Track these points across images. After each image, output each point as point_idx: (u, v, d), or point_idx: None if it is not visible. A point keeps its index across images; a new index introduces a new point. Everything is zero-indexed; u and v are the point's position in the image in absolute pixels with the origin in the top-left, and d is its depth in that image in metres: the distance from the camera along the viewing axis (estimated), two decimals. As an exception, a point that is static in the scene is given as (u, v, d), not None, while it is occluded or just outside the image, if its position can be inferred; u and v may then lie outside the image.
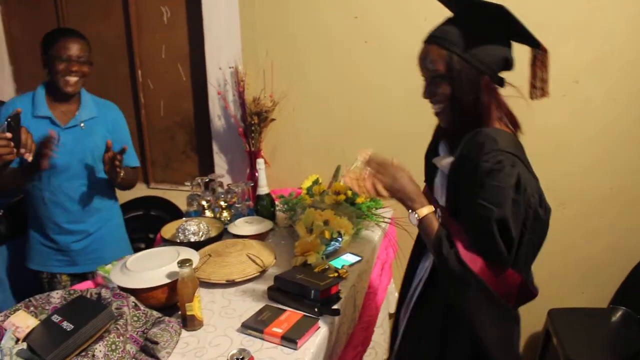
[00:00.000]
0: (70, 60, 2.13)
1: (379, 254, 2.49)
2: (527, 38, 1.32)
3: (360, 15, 2.62)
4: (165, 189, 3.45)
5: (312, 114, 2.86)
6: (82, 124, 2.24)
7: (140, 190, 3.41)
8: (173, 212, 3.13)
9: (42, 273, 2.36)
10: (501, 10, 1.26)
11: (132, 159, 2.43)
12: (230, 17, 2.84)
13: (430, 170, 1.58)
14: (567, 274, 2.68)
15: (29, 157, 1.83)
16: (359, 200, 2.44)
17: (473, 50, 1.30)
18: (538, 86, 1.36)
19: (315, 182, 2.61)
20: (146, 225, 3.19)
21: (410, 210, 1.41)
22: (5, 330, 1.44)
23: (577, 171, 2.53)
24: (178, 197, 3.20)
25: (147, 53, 3.30)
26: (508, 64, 1.34)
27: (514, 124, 1.38)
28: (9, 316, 1.49)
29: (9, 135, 1.72)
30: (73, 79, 2.16)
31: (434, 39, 1.35)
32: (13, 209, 2.65)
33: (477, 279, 1.24)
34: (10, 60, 3.71)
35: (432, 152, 1.58)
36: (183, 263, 1.54)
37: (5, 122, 1.74)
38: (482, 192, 1.22)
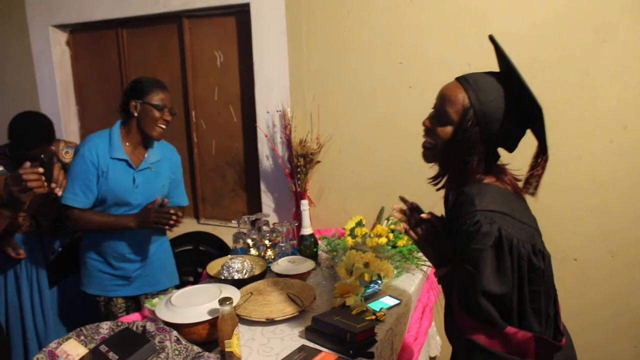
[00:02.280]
0: (164, 109, 2.30)
1: (420, 297, 2.49)
2: (541, 140, 1.35)
3: (404, 61, 2.69)
4: (214, 225, 3.56)
5: (357, 156, 2.92)
6: (151, 167, 2.40)
7: (190, 226, 3.55)
8: (221, 248, 3.23)
9: (99, 297, 2.51)
10: (538, 109, 1.28)
11: (182, 199, 2.60)
12: (280, 63, 2.97)
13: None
14: (617, 325, 2.60)
15: (59, 192, 1.95)
16: (400, 243, 2.47)
17: (490, 118, 1.31)
18: (532, 184, 1.38)
19: (359, 223, 2.65)
20: (195, 260, 3.30)
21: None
22: (58, 357, 1.53)
23: (626, 219, 2.48)
24: (227, 233, 3.31)
25: (200, 95, 3.47)
26: (510, 147, 1.38)
27: (511, 182, 1.41)
28: (61, 344, 1.58)
29: (41, 170, 1.86)
30: (162, 127, 2.33)
31: (465, 82, 1.34)
32: (73, 244, 2.82)
33: (472, 342, 1.26)
34: (76, 101, 3.96)
35: (446, 199, 1.60)
36: (224, 301, 1.61)
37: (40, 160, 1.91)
38: (465, 255, 1.26)
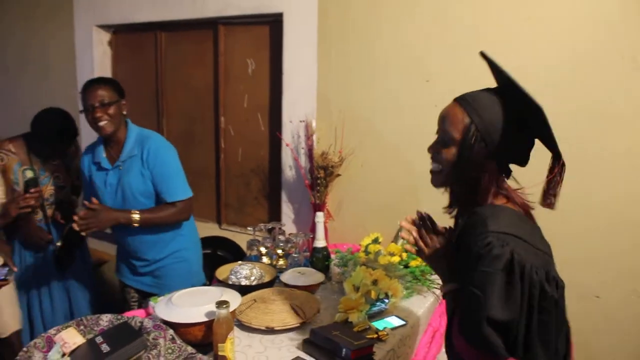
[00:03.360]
0: (92, 109, 2.27)
1: (431, 321, 2.43)
2: (552, 145, 1.30)
3: (431, 78, 2.66)
4: (235, 231, 3.58)
5: (380, 173, 2.90)
6: (120, 165, 2.38)
7: (212, 230, 3.58)
8: (237, 254, 3.24)
9: (120, 281, 2.63)
10: (538, 110, 1.24)
11: (170, 194, 2.40)
12: (308, 74, 2.98)
13: None
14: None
15: None
16: (412, 263, 2.43)
17: (493, 132, 1.28)
18: (551, 194, 1.33)
19: (375, 240, 2.62)
20: (212, 264, 3.31)
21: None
22: (55, 343, 1.56)
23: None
24: (245, 240, 3.30)
25: (231, 101, 3.51)
26: (522, 160, 1.34)
27: (522, 205, 1.36)
28: (60, 331, 1.61)
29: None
30: (101, 123, 2.29)
31: (463, 101, 1.33)
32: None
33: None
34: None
35: (456, 222, 1.56)
36: (220, 304, 1.61)
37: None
38: (473, 277, 1.21)
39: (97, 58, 4.02)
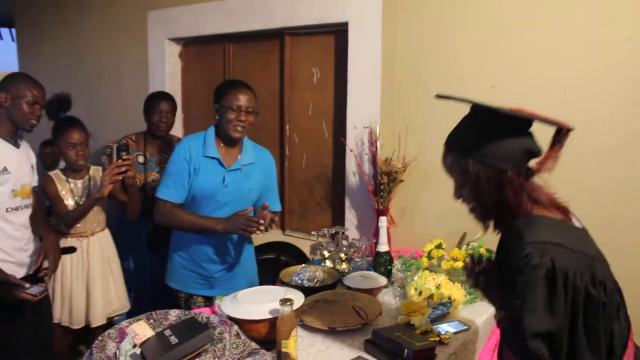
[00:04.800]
0: (239, 110, 2.36)
1: (494, 329, 2.39)
2: (550, 124, 1.30)
3: (497, 84, 2.63)
4: (298, 237, 3.63)
5: (443, 180, 2.85)
6: (242, 168, 2.46)
7: (275, 236, 3.64)
8: (300, 259, 3.28)
9: (180, 292, 2.59)
10: (514, 116, 1.29)
11: (274, 204, 2.59)
12: (373, 81, 3.01)
13: None
14: None
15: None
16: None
17: (488, 150, 1.30)
18: (550, 162, 1.32)
19: (438, 246, 2.60)
20: (275, 269, 3.37)
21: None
22: (127, 334, 1.64)
23: None
24: (309, 246, 3.35)
25: (296, 109, 3.58)
26: (533, 153, 1.32)
27: (560, 208, 1.34)
28: (132, 323, 1.69)
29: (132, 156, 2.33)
30: (240, 127, 2.38)
31: (448, 144, 1.41)
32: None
33: None
34: (182, 109, 4.22)
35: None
36: (284, 302, 1.64)
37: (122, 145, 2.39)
38: (514, 289, 1.21)
39: (168, 69, 4.19)
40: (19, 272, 2.37)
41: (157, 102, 3.25)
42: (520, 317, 1.18)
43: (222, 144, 2.46)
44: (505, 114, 1.30)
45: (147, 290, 3.36)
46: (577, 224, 1.36)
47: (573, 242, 1.25)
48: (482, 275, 1.51)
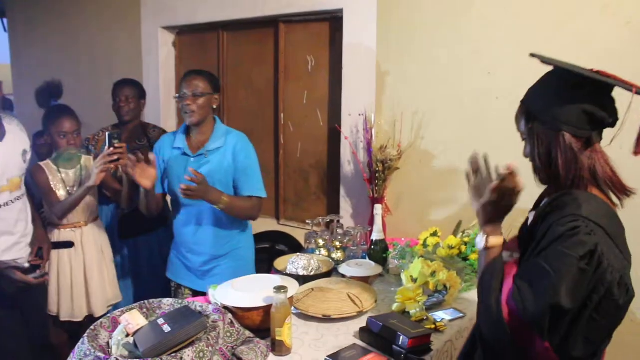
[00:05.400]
0: (185, 96, 2.37)
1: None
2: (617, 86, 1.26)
3: (493, 71, 2.60)
4: (293, 227, 3.61)
5: (438, 167, 2.86)
6: (206, 153, 2.44)
7: (270, 225, 3.63)
8: (296, 248, 3.27)
9: (171, 282, 2.63)
10: (577, 75, 1.26)
11: (252, 189, 2.47)
12: (368, 68, 2.98)
13: (525, 223, 1.53)
14: None
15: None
16: (472, 256, 2.38)
17: (547, 107, 1.30)
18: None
19: (434, 234, 2.59)
20: (271, 258, 3.36)
21: (483, 233, 1.40)
22: (120, 323, 1.62)
23: None
24: (304, 235, 3.34)
25: (290, 98, 3.55)
26: (594, 118, 1.28)
27: (619, 189, 1.30)
28: (125, 312, 1.67)
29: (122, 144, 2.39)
30: (189, 111, 2.38)
31: (523, 99, 1.39)
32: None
33: (506, 331, 1.20)
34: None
35: (533, 208, 1.53)
36: (279, 289, 1.63)
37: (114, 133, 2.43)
38: (547, 253, 1.18)
39: (162, 59, 4.16)
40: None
41: (121, 87, 3.22)
42: (545, 285, 1.16)
43: (191, 134, 2.50)
44: (565, 70, 1.29)
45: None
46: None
47: (616, 236, 1.23)
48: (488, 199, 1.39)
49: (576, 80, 1.27)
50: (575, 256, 1.14)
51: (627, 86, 1.24)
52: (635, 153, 1.27)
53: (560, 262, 1.15)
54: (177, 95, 2.43)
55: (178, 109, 4.20)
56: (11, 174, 2.34)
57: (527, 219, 1.49)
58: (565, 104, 1.28)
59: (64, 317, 2.70)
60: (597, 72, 1.26)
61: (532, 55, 1.39)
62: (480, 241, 1.39)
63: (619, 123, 1.32)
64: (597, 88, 1.27)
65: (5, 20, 6.05)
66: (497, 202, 1.36)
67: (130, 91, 3.21)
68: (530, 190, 1.45)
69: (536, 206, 1.49)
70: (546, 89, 1.33)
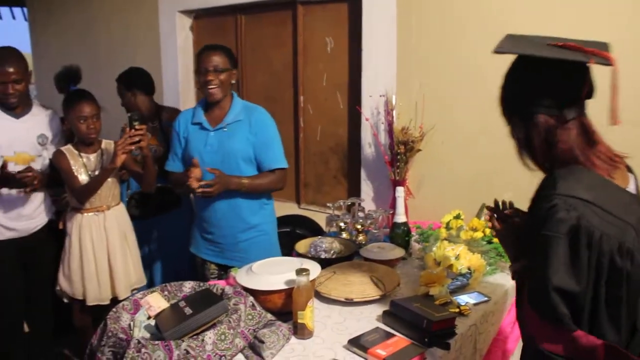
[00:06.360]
0: (207, 71, 2.36)
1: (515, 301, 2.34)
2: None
3: (518, 50, 2.54)
4: (314, 211, 3.59)
5: (460, 149, 2.81)
6: (226, 127, 2.44)
7: (291, 209, 3.61)
8: (317, 232, 3.24)
9: (197, 257, 2.64)
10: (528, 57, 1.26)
11: (275, 161, 2.49)
12: (388, 49, 2.93)
13: None
14: None
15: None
16: (497, 240, 2.33)
17: (516, 95, 1.32)
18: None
19: (457, 216, 2.54)
20: (291, 242, 3.34)
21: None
22: (141, 306, 1.62)
23: None
24: (325, 219, 3.31)
25: (310, 80, 3.52)
26: (559, 94, 1.25)
27: (605, 158, 1.25)
28: (146, 295, 1.67)
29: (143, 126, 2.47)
30: (212, 86, 2.38)
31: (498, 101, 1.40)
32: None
33: (531, 339, 1.18)
34: (195, 84, 4.18)
35: None
36: (300, 272, 1.61)
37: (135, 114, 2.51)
38: (536, 242, 1.16)
39: (180, 43, 4.14)
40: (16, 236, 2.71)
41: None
42: (539, 272, 1.14)
43: (209, 110, 2.50)
44: (520, 55, 1.30)
45: None
46: (630, 186, 1.28)
47: (611, 203, 1.17)
48: (503, 222, 1.49)
49: (529, 61, 1.27)
50: (559, 235, 1.12)
51: (585, 57, 1.21)
52: (612, 123, 1.22)
53: (547, 245, 1.13)
54: (198, 70, 2.41)
55: (198, 94, 4.19)
56: (19, 148, 2.63)
57: None
58: (528, 88, 1.28)
59: (91, 302, 2.71)
60: (562, 46, 1.25)
61: (496, 51, 1.34)
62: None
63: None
64: (555, 63, 1.23)
65: (25, 10, 6.10)
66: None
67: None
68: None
69: None
70: (510, 81, 1.35)
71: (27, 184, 2.51)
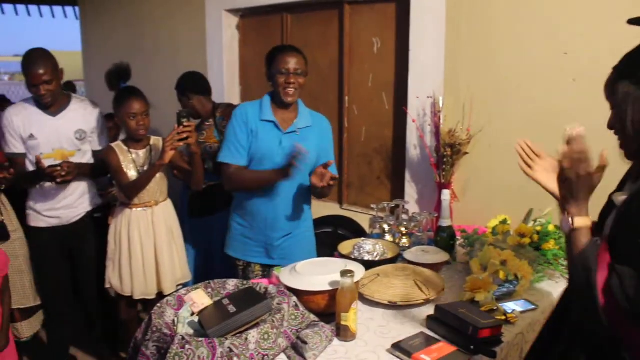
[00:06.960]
0: (288, 72, 2.39)
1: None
2: None
3: (570, 51, 2.46)
4: (356, 212, 3.57)
5: (509, 153, 2.71)
6: (297, 131, 2.47)
7: (333, 209, 3.60)
8: (359, 233, 3.22)
9: (239, 260, 2.62)
10: None
11: (332, 169, 2.47)
12: (436, 50, 2.89)
13: (608, 207, 1.40)
14: None
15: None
16: (545, 246, 2.27)
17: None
18: None
19: (504, 221, 2.49)
20: (333, 243, 3.32)
21: (567, 214, 1.29)
22: (185, 302, 1.63)
23: None
24: (367, 220, 3.27)
25: (355, 81, 3.50)
26: None
27: None
28: (190, 292, 1.68)
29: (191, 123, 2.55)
30: (291, 89, 2.40)
31: (616, 65, 1.27)
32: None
33: (604, 324, 1.11)
34: (239, 81, 4.21)
35: (617, 190, 1.41)
36: (345, 273, 1.60)
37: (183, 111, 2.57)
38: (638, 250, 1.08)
39: (226, 42, 4.17)
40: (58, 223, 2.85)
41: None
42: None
43: (277, 109, 2.49)
44: None
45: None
46: None
47: None
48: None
49: None
50: None
51: None
52: None
53: None
54: (277, 70, 2.41)
55: (243, 92, 4.23)
56: (57, 145, 2.78)
57: (609, 201, 1.38)
58: None
59: (137, 296, 2.77)
60: None
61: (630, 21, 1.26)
62: (566, 224, 1.28)
63: None
64: None
65: (77, 9, 6.27)
66: (574, 174, 1.26)
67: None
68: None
69: (619, 188, 1.39)
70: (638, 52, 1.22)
71: (57, 176, 2.59)
